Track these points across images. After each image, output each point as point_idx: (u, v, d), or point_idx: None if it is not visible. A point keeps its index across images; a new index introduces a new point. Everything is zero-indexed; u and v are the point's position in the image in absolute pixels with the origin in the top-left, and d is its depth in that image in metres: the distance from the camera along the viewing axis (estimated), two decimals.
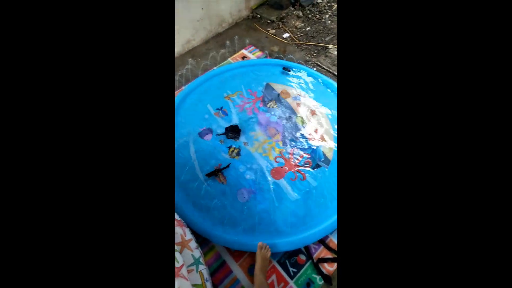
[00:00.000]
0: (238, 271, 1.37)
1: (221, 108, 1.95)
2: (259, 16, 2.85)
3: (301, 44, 2.60)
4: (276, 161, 1.70)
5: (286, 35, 2.68)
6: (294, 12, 2.89)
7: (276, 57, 2.41)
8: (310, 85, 2.11)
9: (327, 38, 2.63)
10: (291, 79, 2.14)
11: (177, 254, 1.07)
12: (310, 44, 2.59)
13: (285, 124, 1.88)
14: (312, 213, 1.51)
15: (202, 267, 1.17)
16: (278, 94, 2.04)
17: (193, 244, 1.21)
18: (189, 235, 1.24)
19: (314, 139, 1.81)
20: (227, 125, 1.86)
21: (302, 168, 1.67)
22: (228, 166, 1.66)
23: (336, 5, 2.96)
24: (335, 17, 2.85)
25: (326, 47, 2.54)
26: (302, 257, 1.41)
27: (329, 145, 1.77)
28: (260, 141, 1.79)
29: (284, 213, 1.50)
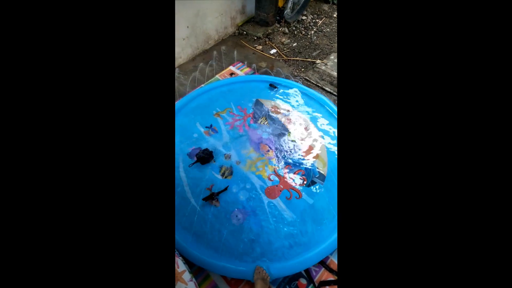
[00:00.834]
0: None
1: (211, 126, 1.90)
2: (245, 32, 2.87)
3: (288, 59, 2.61)
4: (270, 179, 1.64)
5: (273, 51, 2.70)
6: (280, 29, 2.93)
7: (264, 73, 2.41)
8: (300, 100, 2.10)
9: (314, 53, 2.67)
10: (279, 95, 2.13)
11: None
12: (298, 60, 2.61)
13: (277, 140, 1.84)
14: (310, 233, 1.45)
15: None
16: (268, 110, 2.01)
17: (186, 276, 1.12)
18: (182, 267, 1.15)
19: (308, 155, 1.78)
20: (218, 143, 1.80)
21: (297, 185, 1.63)
22: (225, 189, 1.57)
23: (320, 21, 3.03)
24: (320, 33, 2.91)
25: (314, 62, 2.56)
26: (303, 281, 1.34)
27: (322, 161, 1.74)
28: (252, 158, 1.74)
29: (281, 235, 1.44)
